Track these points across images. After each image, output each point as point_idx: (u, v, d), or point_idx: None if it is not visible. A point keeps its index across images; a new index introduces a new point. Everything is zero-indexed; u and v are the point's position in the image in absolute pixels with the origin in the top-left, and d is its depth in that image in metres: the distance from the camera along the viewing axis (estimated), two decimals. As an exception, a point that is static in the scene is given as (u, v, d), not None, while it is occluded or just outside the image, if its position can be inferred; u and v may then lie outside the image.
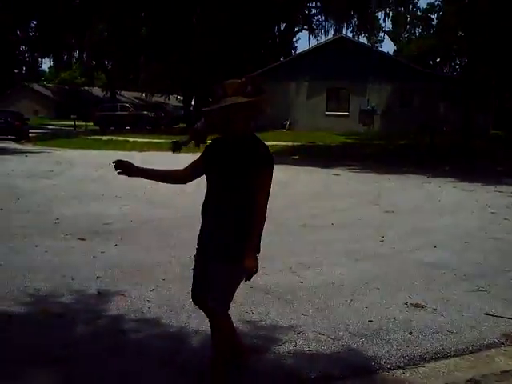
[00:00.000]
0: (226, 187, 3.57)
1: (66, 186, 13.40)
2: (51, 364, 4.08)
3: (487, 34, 32.09)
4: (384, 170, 18.27)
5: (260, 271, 6.32)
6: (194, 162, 3.81)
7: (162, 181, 4.13)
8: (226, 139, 3.64)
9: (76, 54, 59.54)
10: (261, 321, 5.00)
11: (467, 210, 11.10)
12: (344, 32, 44.46)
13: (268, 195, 3.58)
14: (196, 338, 4.60)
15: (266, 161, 3.55)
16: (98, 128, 42.46)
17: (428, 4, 79.14)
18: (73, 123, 43.46)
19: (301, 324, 4.94)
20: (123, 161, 3.81)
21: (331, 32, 48.88)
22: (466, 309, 5.41)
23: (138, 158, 20.95)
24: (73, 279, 6.01)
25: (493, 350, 4.56)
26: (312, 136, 32.44)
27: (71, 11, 41.00)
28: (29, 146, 27.56)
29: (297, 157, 23.07)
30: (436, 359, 4.34)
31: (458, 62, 68.79)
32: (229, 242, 3.54)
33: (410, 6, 47.54)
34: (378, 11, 44.93)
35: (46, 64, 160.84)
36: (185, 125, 44.98)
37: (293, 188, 14.27)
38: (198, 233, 3.80)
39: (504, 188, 14.29)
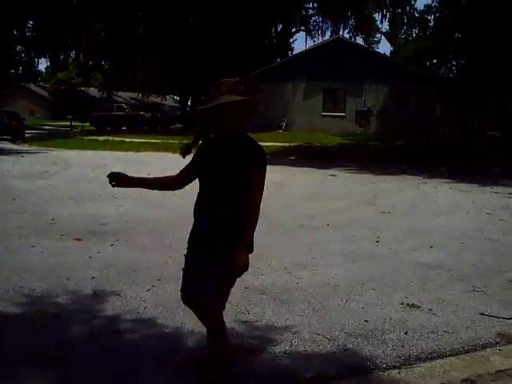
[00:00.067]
0: (219, 187, 3.57)
1: (62, 186, 13.38)
2: (47, 364, 4.07)
3: (484, 36, 32.11)
4: (380, 170, 18.29)
5: (256, 271, 6.38)
6: (184, 167, 3.83)
7: (152, 188, 4.12)
8: (219, 139, 3.65)
9: (73, 54, 59.52)
10: (256, 321, 5.00)
11: (463, 211, 11.12)
12: (341, 33, 44.39)
13: (261, 194, 3.59)
14: (192, 338, 4.60)
15: (259, 160, 3.56)
16: (94, 128, 42.46)
17: (425, 5, 79.32)
18: (69, 123, 43.44)
19: (296, 324, 4.94)
20: (116, 173, 3.80)
21: (328, 33, 48.88)
22: (462, 309, 5.42)
23: (134, 159, 20.97)
24: (68, 279, 6.00)
25: (488, 349, 4.57)
26: (308, 137, 32.46)
27: (68, 11, 40.95)
28: (25, 147, 27.52)
29: (293, 157, 23.08)
30: (431, 359, 4.35)
31: (455, 64, 68.89)
32: (222, 242, 3.54)
33: (407, 8, 47.44)
34: (375, 12, 44.87)
35: (43, 64, 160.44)
36: (181, 125, 44.99)
37: (289, 189, 14.29)
38: (190, 232, 3.81)
39: (500, 189, 14.31)
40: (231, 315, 4.99)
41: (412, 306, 5.48)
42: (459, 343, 4.64)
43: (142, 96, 61.63)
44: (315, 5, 50.51)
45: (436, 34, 59.79)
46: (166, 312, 5.10)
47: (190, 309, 3.93)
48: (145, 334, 4.68)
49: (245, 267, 3.55)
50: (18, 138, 31.07)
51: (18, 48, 64.09)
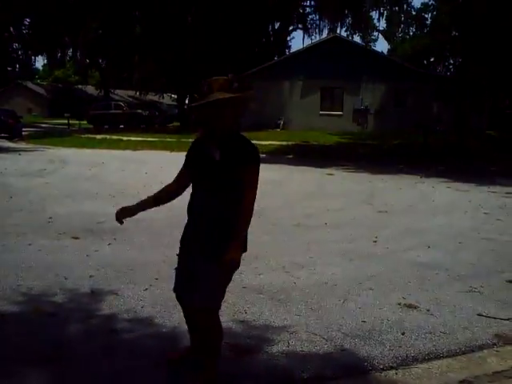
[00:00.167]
0: (212, 186, 3.58)
1: (59, 184, 13.37)
2: (44, 363, 4.07)
3: (481, 34, 32.10)
4: (378, 169, 18.30)
5: (253, 271, 6.39)
6: (179, 172, 3.84)
7: (157, 205, 4.00)
8: (211, 137, 3.65)
9: (70, 52, 59.32)
10: (254, 321, 5.00)
11: (461, 211, 11.13)
12: (338, 31, 44.42)
13: (255, 193, 3.60)
14: (189, 337, 4.59)
15: (252, 158, 3.57)
16: (91, 126, 42.41)
17: (422, 3, 79.23)
18: (66, 121, 43.41)
19: (294, 324, 4.94)
20: (122, 210, 3.96)
21: (325, 31, 48.89)
22: (459, 309, 5.42)
23: (131, 157, 20.95)
24: (66, 278, 5.99)
25: (485, 350, 4.57)
26: (306, 135, 32.45)
27: (65, 9, 40.89)
28: (22, 145, 27.51)
29: (291, 156, 23.09)
30: (429, 360, 4.35)
31: (452, 62, 68.97)
32: (217, 241, 3.55)
33: (404, 6, 47.50)
34: (372, 10, 44.89)
35: (40, 62, 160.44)
36: (179, 123, 44.98)
37: (286, 187, 14.29)
38: (182, 232, 3.81)
39: (497, 188, 14.33)
40: (228, 315, 4.99)
41: (409, 306, 5.48)
42: (456, 344, 4.64)
43: (140, 94, 61.65)
44: (312, 3, 50.59)
45: (433, 33, 59.88)
46: (164, 311, 5.09)
47: (183, 308, 3.93)
48: (142, 334, 4.67)
49: (236, 266, 3.57)
50: (15, 136, 31.03)
51: (15, 46, 64.14)
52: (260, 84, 36.60)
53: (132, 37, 44.42)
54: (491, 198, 12.93)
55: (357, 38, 51.89)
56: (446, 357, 4.42)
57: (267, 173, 15.70)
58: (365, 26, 48.37)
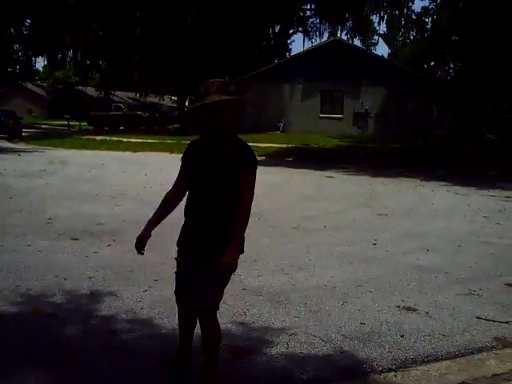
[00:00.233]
0: (210, 188, 3.59)
1: (59, 185, 13.36)
2: (43, 364, 4.06)
3: (481, 39, 32.18)
4: (377, 172, 18.31)
5: (253, 273, 6.39)
6: (177, 177, 3.85)
7: (167, 214, 3.93)
8: (207, 139, 3.67)
9: (70, 53, 59.34)
10: (253, 322, 5.00)
11: (460, 214, 11.13)
12: (338, 34, 44.41)
13: (252, 195, 3.62)
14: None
15: (249, 160, 3.59)
16: (91, 128, 42.41)
17: (422, 8, 79.16)
18: (66, 123, 43.38)
19: (293, 326, 4.94)
20: (138, 240, 3.86)
21: (326, 34, 48.93)
22: (458, 312, 5.43)
23: (131, 159, 20.96)
24: (65, 279, 5.99)
25: (484, 353, 4.58)
26: (306, 138, 32.46)
27: (66, 10, 40.90)
28: (22, 145, 27.50)
29: (291, 159, 23.10)
30: (428, 362, 4.36)
31: (452, 66, 69.00)
32: (215, 243, 3.56)
33: (405, 10, 47.47)
34: (373, 14, 44.89)
35: (40, 63, 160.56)
36: (178, 125, 44.98)
37: (286, 190, 14.30)
38: (179, 233, 3.81)
39: (497, 192, 14.34)
40: (228, 316, 4.99)
41: (408, 308, 5.48)
42: (455, 347, 4.64)
43: (140, 96, 61.59)
44: (313, 6, 50.57)
45: (433, 37, 59.89)
46: (163, 312, 5.09)
47: (183, 310, 3.92)
48: (141, 335, 4.67)
49: (233, 268, 3.59)
50: (15, 136, 31.04)
51: (16, 47, 64.15)
52: (260, 87, 36.61)
53: (132, 38, 44.38)
54: (491, 201, 12.93)
55: (357, 42, 51.82)
56: (445, 359, 4.43)
57: (267, 175, 15.76)
58: (365, 30, 48.26)
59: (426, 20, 68.89)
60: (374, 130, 39.06)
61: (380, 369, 4.21)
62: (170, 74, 44.32)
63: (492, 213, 11.28)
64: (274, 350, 4.45)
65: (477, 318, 5.29)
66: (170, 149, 24.26)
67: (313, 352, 4.46)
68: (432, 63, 71.85)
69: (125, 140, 30.12)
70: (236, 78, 34.84)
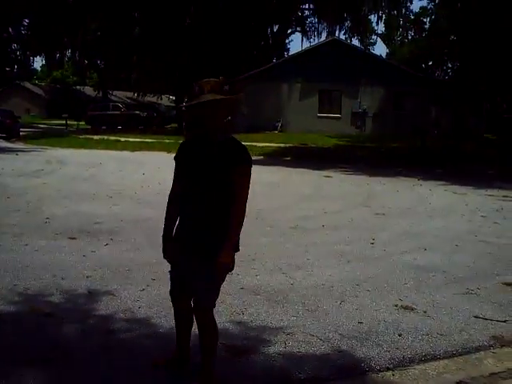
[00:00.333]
0: (204, 187, 3.59)
1: (56, 185, 13.34)
2: (41, 363, 4.05)
3: (479, 39, 32.20)
4: (375, 172, 18.33)
5: (250, 272, 6.39)
6: (174, 179, 3.85)
7: (177, 211, 3.87)
8: (201, 139, 3.67)
9: (68, 52, 59.24)
10: (251, 322, 5.00)
11: (458, 213, 11.15)
12: (337, 34, 44.40)
13: (247, 194, 3.62)
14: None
15: (243, 160, 3.59)
16: (89, 127, 42.38)
17: (421, 8, 79.24)
18: (64, 122, 43.34)
19: (291, 325, 4.94)
20: (165, 253, 3.85)
21: (324, 34, 48.88)
22: (456, 311, 5.43)
23: (129, 158, 20.95)
24: (63, 278, 5.98)
25: (482, 352, 4.58)
26: (304, 138, 32.46)
27: (64, 10, 40.85)
28: (20, 145, 27.48)
29: (288, 158, 23.10)
30: (425, 361, 4.36)
31: (450, 66, 69.03)
32: (211, 242, 3.57)
33: (403, 10, 47.48)
34: (371, 14, 44.90)
35: (38, 62, 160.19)
36: (177, 125, 44.97)
37: (284, 189, 14.30)
38: (174, 232, 3.82)
39: (495, 191, 14.36)
40: (225, 316, 4.99)
41: (406, 307, 5.49)
42: (453, 346, 4.65)
43: (138, 95, 61.56)
44: (311, 6, 50.57)
45: (431, 37, 59.92)
46: (161, 312, 5.08)
47: (179, 310, 3.92)
48: (139, 334, 4.67)
49: (231, 266, 3.61)
50: (12, 136, 30.99)
51: (14, 46, 63.96)
52: (258, 86, 36.61)
53: (131, 38, 44.36)
54: (488, 201, 12.95)
55: (355, 42, 51.96)
56: (443, 358, 4.43)
57: (265, 175, 15.77)
58: (363, 30, 48.27)
59: (425, 20, 68.96)
60: (372, 130, 39.06)
61: (378, 368, 4.22)
62: (168, 74, 44.34)
63: (490, 212, 11.30)
64: (272, 349, 4.45)
65: (474, 317, 5.30)
66: (167, 148, 24.22)
67: (310, 351, 4.46)
68: (430, 63, 71.85)
69: (123, 139, 30.10)
70: (234, 78, 34.96)
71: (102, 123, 42.06)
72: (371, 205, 11.94)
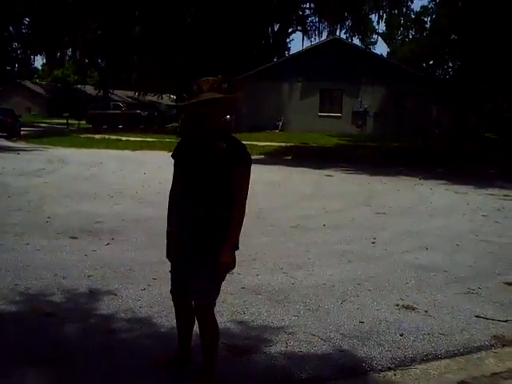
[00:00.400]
0: (203, 187, 3.58)
1: (57, 184, 13.35)
2: (42, 363, 4.05)
3: (480, 38, 32.15)
4: (376, 171, 18.31)
5: (251, 271, 6.38)
6: (173, 179, 3.84)
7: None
8: (199, 138, 3.66)
9: (69, 51, 59.30)
10: (252, 321, 5.00)
11: (459, 213, 11.14)
12: (338, 33, 44.45)
13: (246, 193, 3.62)
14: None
15: (242, 159, 3.58)
16: (90, 126, 42.39)
17: (421, 7, 79.22)
18: (65, 121, 43.36)
19: (292, 325, 4.94)
20: (170, 254, 3.86)
21: (325, 33, 48.91)
22: (457, 311, 5.42)
23: (130, 157, 20.94)
24: (64, 278, 5.98)
25: (483, 352, 4.58)
26: (305, 137, 32.45)
27: (65, 9, 40.87)
28: (21, 144, 27.48)
29: (289, 157, 23.09)
30: (427, 361, 4.35)
31: (451, 65, 69.00)
32: (211, 242, 3.56)
33: (404, 9, 47.50)
34: (372, 13, 44.94)
35: (39, 61, 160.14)
36: (177, 124, 44.96)
37: (285, 189, 14.29)
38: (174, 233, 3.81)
39: (496, 191, 14.35)
40: (227, 315, 4.99)
41: (407, 307, 5.48)
42: (454, 345, 4.64)
43: (139, 95, 61.59)
44: (312, 5, 50.57)
45: (432, 36, 59.88)
46: (162, 311, 5.08)
47: (180, 309, 3.92)
48: (140, 333, 4.67)
49: (232, 265, 3.61)
50: (13, 135, 31.00)
51: (14, 45, 64.05)
52: (259, 86, 36.59)
53: (131, 37, 44.36)
54: (489, 200, 12.94)
55: (356, 41, 51.89)
56: (444, 358, 4.42)
57: (266, 174, 15.77)
58: (364, 29, 48.32)
59: (425, 19, 68.89)
60: (372, 129, 39.04)
61: (379, 367, 4.21)
62: (168, 74, 44.36)
63: (491, 211, 11.29)
64: (273, 349, 4.44)
65: (476, 316, 5.29)
66: (168, 147, 24.14)
67: (312, 351, 4.46)
68: (431, 62, 71.84)
69: (123, 139, 30.09)
70: (234, 77, 34.92)
71: (103, 122, 42.07)
72: (372, 204, 11.94)
